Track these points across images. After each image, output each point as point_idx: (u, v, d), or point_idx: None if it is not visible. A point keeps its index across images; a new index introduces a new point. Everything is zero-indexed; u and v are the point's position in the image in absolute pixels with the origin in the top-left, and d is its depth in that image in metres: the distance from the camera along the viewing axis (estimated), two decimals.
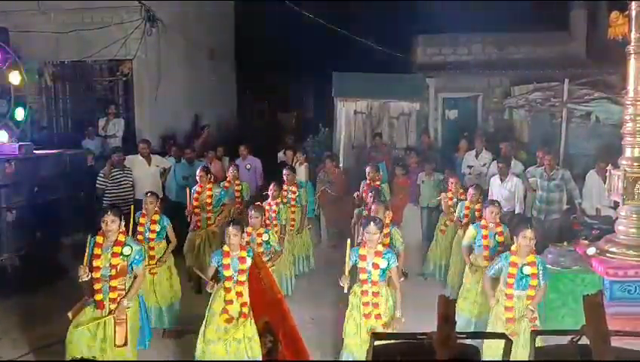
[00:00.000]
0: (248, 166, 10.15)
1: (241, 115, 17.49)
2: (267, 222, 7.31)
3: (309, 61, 16.35)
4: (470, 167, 9.86)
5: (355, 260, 5.11)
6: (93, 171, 8.84)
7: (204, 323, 5.02)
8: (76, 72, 11.62)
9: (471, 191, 7.37)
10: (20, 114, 8.78)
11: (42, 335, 6.07)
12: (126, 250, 4.88)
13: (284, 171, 8.39)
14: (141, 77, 11.40)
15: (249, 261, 4.93)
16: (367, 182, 8.52)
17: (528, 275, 5.04)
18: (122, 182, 8.58)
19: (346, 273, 5.05)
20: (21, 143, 8.10)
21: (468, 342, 2.51)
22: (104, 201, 8.47)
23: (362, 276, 5.09)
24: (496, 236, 6.14)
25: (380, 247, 5.08)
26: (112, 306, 4.81)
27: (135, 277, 4.99)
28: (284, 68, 17.60)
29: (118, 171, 8.55)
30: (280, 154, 11.12)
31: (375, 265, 5.03)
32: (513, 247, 5.17)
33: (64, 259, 7.88)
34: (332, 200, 9.85)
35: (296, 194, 8.30)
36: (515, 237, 5.19)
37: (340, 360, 5.11)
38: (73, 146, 9.91)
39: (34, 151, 8.29)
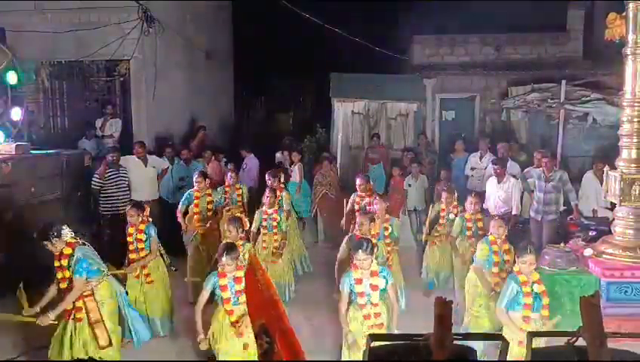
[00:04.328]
0: (245, 166, 10.19)
1: (239, 115, 17.49)
2: (266, 230, 7.24)
3: (306, 62, 16.36)
4: (473, 169, 9.86)
5: (351, 285, 4.82)
6: (91, 171, 8.81)
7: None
8: (73, 71, 11.58)
9: (470, 199, 7.06)
10: (16, 114, 8.77)
11: (39, 335, 6.05)
12: (67, 262, 4.96)
13: (266, 193, 7.50)
14: (138, 77, 11.36)
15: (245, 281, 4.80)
16: (359, 193, 7.96)
17: (539, 294, 4.80)
18: (118, 183, 8.53)
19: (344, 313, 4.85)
20: (18, 143, 8.10)
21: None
22: (100, 202, 8.46)
23: (360, 301, 4.81)
24: (504, 254, 5.81)
25: (374, 266, 4.86)
26: (79, 315, 4.97)
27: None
28: (281, 68, 17.60)
29: (113, 171, 8.52)
30: (278, 155, 11.14)
31: (373, 286, 4.80)
32: (515, 268, 4.92)
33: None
34: (330, 202, 9.86)
35: (277, 220, 7.35)
36: (516, 258, 4.97)
37: (338, 361, 5.06)
38: (70, 146, 9.90)
39: (31, 152, 8.28)
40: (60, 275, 5.04)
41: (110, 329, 4.93)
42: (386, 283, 4.84)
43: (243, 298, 4.76)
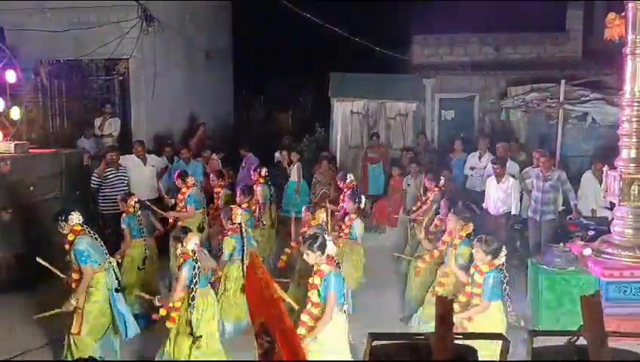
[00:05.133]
0: (243, 165, 10.21)
1: (238, 115, 17.49)
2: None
3: (306, 61, 16.36)
4: (472, 168, 9.87)
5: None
6: (90, 170, 8.80)
7: None
8: (72, 71, 11.58)
9: (442, 204, 6.83)
10: (15, 113, 8.76)
11: (38, 335, 6.06)
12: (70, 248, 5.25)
13: (238, 191, 7.53)
14: (137, 76, 11.37)
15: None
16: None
17: (475, 279, 4.89)
18: (116, 182, 8.52)
19: None
20: (17, 142, 8.08)
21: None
22: (98, 201, 8.45)
23: (309, 293, 4.70)
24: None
25: (323, 267, 4.59)
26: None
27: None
28: (281, 68, 17.61)
29: (112, 171, 8.50)
30: (276, 154, 11.15)
31: (311, 285, 4.64)
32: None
33: (59, 259, 7.84)
34: (329, 201, 9.85)
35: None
36: None
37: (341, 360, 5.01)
38: (69, 145, 9.89)
39: (30, 151, 8.26)
40: (68, 258, 5.32)
41: (88, 318, 5.14)
42: (324, 288, 4.53)
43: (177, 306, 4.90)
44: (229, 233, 6.09)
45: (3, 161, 7.45)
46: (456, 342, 2.25)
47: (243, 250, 5.96)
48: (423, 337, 2.23)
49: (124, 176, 8.64)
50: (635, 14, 6.25)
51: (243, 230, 6.05)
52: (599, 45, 10.43)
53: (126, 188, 8.60)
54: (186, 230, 5.20)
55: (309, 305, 4.65)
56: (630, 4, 6.26)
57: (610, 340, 2.27)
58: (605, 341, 2.21)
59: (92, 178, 8.45)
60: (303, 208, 6.47)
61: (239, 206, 6.84)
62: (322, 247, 4.61)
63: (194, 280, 4.85)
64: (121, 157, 8.76)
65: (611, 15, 6.52)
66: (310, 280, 4.67)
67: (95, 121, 10.85)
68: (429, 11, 12.87)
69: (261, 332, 2.58)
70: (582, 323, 2.28)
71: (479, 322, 4.73)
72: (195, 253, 4.95)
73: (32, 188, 7.84)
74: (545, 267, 6.31)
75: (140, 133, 11.11)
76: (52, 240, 8.00)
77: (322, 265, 4.61)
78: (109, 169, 8.47)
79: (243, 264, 5.88)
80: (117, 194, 8.38)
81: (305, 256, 4.68)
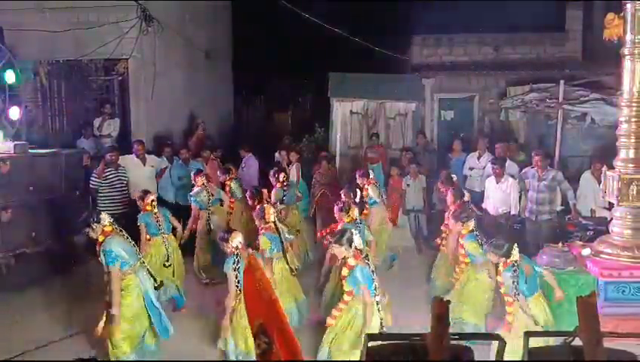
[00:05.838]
0: (243, 165, 10.21)
1: (238, 114, 17.49)
2: None
3: (306, 61, 16.36)
4: (472, 168, 9.87)
5: None
6: (89, 171, 8.81)
7: None
8: (72, 71, 11.57)
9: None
10: (15, 113, 8.76)
11: (37, 335, 6.07)
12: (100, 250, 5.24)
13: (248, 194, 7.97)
14: (137, 76, 11.36)
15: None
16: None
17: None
18: (115, 183, 8.54)
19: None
20: (16, 142, 8.07)
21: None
22: (98, 201, 8.46)
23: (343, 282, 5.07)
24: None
25: (350, 260, 4.93)
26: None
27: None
28: (280, 68, 17.61)
29: (112, 171, 8.52)
30: (276, 155, 11.15)
31: (343, 276, 5.00)
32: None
33: (59, 259, 7.87)
34: (329, 201, 9.85)
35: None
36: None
37: (336, 360, 5.06)
38: (68, 146, 9.89)
39: (29, 151, 8.26)
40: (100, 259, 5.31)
41: (121, 319, 5.20)
42: (353, 281, 4.86)
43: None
44: (262, 231, 6.23)
45: (3, 161, 7.45)
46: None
47: (282, 245, 6.25)
48: (419, 337, 2.24)
49: (124, 176, 8.66)
50: (634, 15, 6.24)
51: (278, 226, 6.32)
52: (599, 45, 10.41)
53: (125, 188, 8.64)
54: (229, 229, 5.48)
55: (344, 295, 4.97)
56: (629, 5, 6.27)
57: (606, 340, 2.28)
58: (601, 341, 2.22)
59: (91, 178, 8.46)
60: (335, 207, 6.81)
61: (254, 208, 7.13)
62: (349, 241, 4.92)
63: (234, 266, 5.13)
64: (120, 157, 8.77)
65: (610, 15, 6.51)
66: (343, 272, 4.96)
67: (94, 121, 10.85)
68: (428, 11, 12.86)
69: (259, 333, 2.59)
70: (578, 323, 2.29)
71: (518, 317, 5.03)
72: (237, 249, 5.22)
73: (31, 188, 7.84)
74: (544, 267, 6.31)
75: (140, 133, 11.11)
76: (52, 241, 8.09)
77: (350, 258, 4.91)
78: (109, 169, 8.49)
79: (286, 259, 6.26)
80: (116, 195, 8.49)
81: (333, 250, 5.01)
